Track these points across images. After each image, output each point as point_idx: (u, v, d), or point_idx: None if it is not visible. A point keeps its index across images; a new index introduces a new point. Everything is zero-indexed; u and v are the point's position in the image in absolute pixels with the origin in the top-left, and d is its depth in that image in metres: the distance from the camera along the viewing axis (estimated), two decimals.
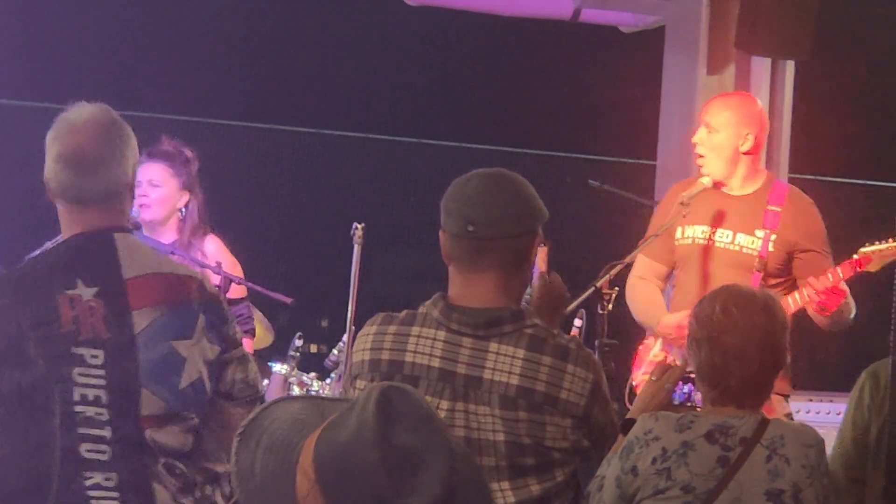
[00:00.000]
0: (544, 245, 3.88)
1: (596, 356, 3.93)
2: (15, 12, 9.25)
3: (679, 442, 3.57)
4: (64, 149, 3.51)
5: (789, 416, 5.38)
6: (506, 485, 3.46)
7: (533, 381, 3.47)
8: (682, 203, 5.42)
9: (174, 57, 10.54)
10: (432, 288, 3.62)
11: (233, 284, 5.61)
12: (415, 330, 3.55)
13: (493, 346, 3.49)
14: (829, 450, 3.79)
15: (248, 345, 5.65)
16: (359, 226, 5.87)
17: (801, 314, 5.41)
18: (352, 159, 11.28)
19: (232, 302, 5.32)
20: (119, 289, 3.46)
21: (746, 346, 3.61)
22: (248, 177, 10.71)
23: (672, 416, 3.63)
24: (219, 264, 5.58)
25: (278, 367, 6.40)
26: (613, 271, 5.16)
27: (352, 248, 5.90)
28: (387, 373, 3.54)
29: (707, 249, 5.56)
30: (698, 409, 3.77)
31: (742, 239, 5.54)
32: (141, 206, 5.61)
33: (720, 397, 3.65)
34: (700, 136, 5.57)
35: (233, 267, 5.80)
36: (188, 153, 5.83)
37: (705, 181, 5.53)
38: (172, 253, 5.29)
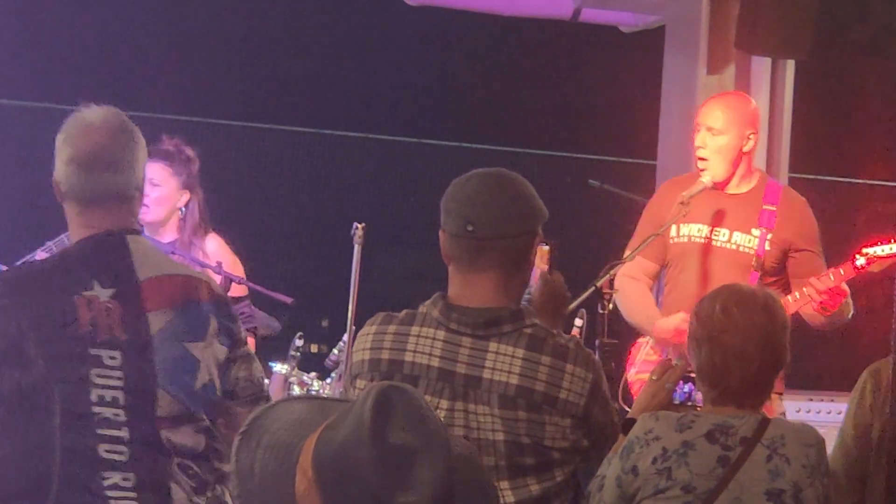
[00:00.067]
0: (546, 245, 3.88)
1: (596, 356, 3.93)
2: (15, 12, 9.25)
3: (679, 442, 3.57)
4: (77, 150, 3.52)
5: (783, 414, 5.40)
6: (505, 484, 3.45)
7: (532, 380, 3.46)
8: (682, 203, 5.42)
9: (174, 57, 10.53)
10: (432, 288, 3.62)
11: (233, 284, 5.61)
12: (414, 330, 3.54)
13: (493, 346, 3.49)
14: (829, 449, 3.79)
15: (252, 344, 5.65)
16: (359, 226, 5.87)
17: (796, 313, 5.42)
18: (352, 159, 11.28)
19: (233, 301, 5.32)
20: (134, 290, 3.47)
21: (747, 345, 3.61)
22: (248, 177, 10.72)
23: (672, 416, 3.63)
24: (219, 264, 5.58)
25: (279, 367, 6.39)
26: (614, 271, 5.16)
27: (352, 247, 5.89)
28: (386, 372, 3.54)
29: (704, 248, 5.57)
30: (699, 409, 3.77)
31: (739, 238, 5.55)
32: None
33: (720, 397, 3.65)
34: (702, 139, 5.56)
35: (234, 266, 5.80)
36: (189, 152, 5.82)
37: (705, 181, 5.53)
38: (173, 252, 5.28)
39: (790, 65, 6.88)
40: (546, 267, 4.02)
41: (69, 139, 3.53)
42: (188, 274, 3.62)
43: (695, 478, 3.54)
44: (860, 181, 11.42)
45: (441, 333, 3.52)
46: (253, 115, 11.03)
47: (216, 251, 5.80)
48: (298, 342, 6.50)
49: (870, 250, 5.41)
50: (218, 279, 5.42)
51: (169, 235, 5.76)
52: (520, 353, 3.48)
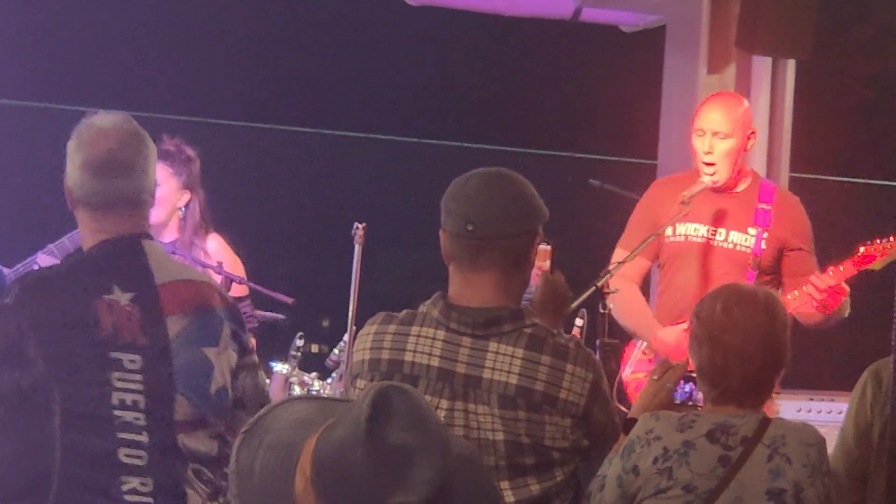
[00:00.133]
0: (548, 245, 3.88)
1: (597, 356, 3.93)
2: (15, 12, 9.25)
3: (680, 441, 3.57)
4: (89, 156, 3.52)
5: (775, 413, 5.40)
6: (505, 484, 3.45)
7: (532, 380, 3.46)
8: (683, 202, 5.43)
9: (175, 57, 10.54)
10: (433, 288, 3.62)
11: (234, 284, 5.61)
12: (414, 329, 3.54)
13: (493, 346, 3.49)
14: (830, 449, 3.79)
15: (253, 344, 5.65)
16: (359, 226, 5.87)
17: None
18: (352, 159, 11.28)
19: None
20: (153, 294, 3.49)
21: (747, 345, 3.61)
22: (248, 177, 10.71)
23: (673, 416, 3.63)
24: (220, 264, 5.58)
25: (279, 367, 6.39)
26: (614, 271, 5.17)
27: (352, 247, 5.89)
28: (386, 372, 3.54)
29: (702, 247, 5.58)
30: (699, 409, 3.77)
31: (735, 237, 5.57)
32: None
33: (721, 396, 3.65)
34: (709, 144, 5.53)
35: (235, 266, 5.80)
36: (189, 152, 5.82)
37: (706, 180, 5.53)
38: (173, 253, 5.28)
39: (791, 64, 6.88)
40: (547, 266, 4.01)
41: (81, 145, 3.54)
42: (202, 280, 3.66)
43: (696, 477, 3.54)
44: (861, 181, 11.42)
45: (441, 333, 3.51)
46: (253, 114, 11.03)
47: (217, 251, 5.79)
48: (299, 342, 6.49)
49: (870, 248, 5.42)
50: (218, 279, 5.42)
51: (169, 235, 5.75)
52: (520, 352, 3.47)
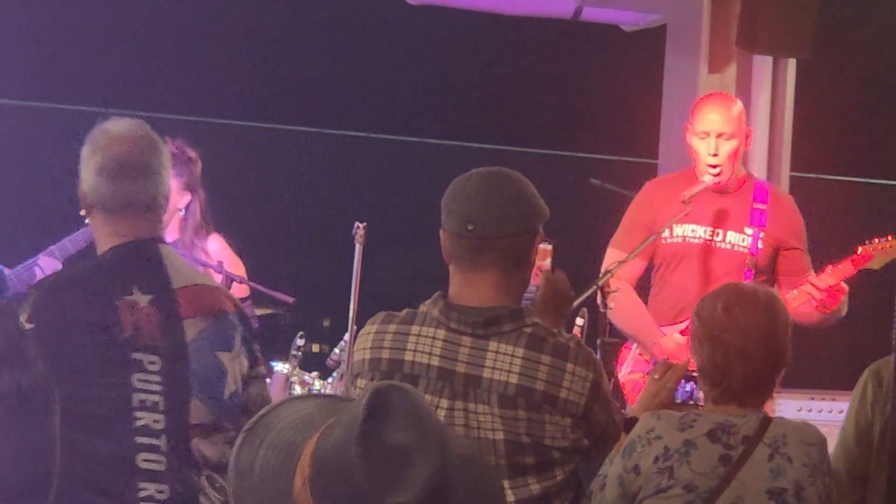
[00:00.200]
0: (549, 244, 3.87)
1: (597, 355, 3.92)
2: (15, 12, 9.24)
3: (681, 440, 3.56)
4: (105, 160, 3.54)
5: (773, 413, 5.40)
6: (505, 484, 3.45)
7: (532, 380, 3.46)
8: (684, 201, 5.43)
9: (176, 57, 10.53)
10: (434, 287, 3.62)
11: (235, 283, 5.60)
12: (414, 329, 3.54)
13: (493, 345, 3.49)
14: (831, 448, 3.78)
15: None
16: (360, 225, 5.87)
17: None
18: (353, 159, 11.27)
19: None
20: (170, 297, 3.51)
21: (748, 345, 3.61)
22: (249, 176, 10.70)
23: (674, 415, 3.63)
24: (220, 263, 5.57)
25: (280, 367, 6.39)
26: (615, 270, 5.17)
27: (353, 247, 5.89)
28: (387, 372, 3.54)
29: (700, 248, 5.58)
30: (700, 408, 3.77)
31: (733, 237, 5.58)
32: None
33: (722, 396, 3.65)
34: (714, 146, 5.52)
35: (235, 266, 5.80)
36: (190, 153, 5.82)
37: (707, 179, 5.54)
38: None
39: (791, 63, 6.88)
40: (548, 266, 4.01)
41: (97, 150, 3.56)
42: (215, 285, 3.71)
43: (696, 477, 3.54)
44: (861, 180, 11.42)
45: (441, 333, 3.51)
46: (254, 114, 11.03)
47: (218, 252, 5.79)
48: (300, 342, 6.49)
49: (868, 248, 5.43)
50: (219, 279, 5.43)
51: (170, 236, 5.74)
52: (520, 352, 3.47)
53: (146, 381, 3.42)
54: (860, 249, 5.47)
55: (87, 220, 5.62)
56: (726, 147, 5.53)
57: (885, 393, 4.05)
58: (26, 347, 3.05)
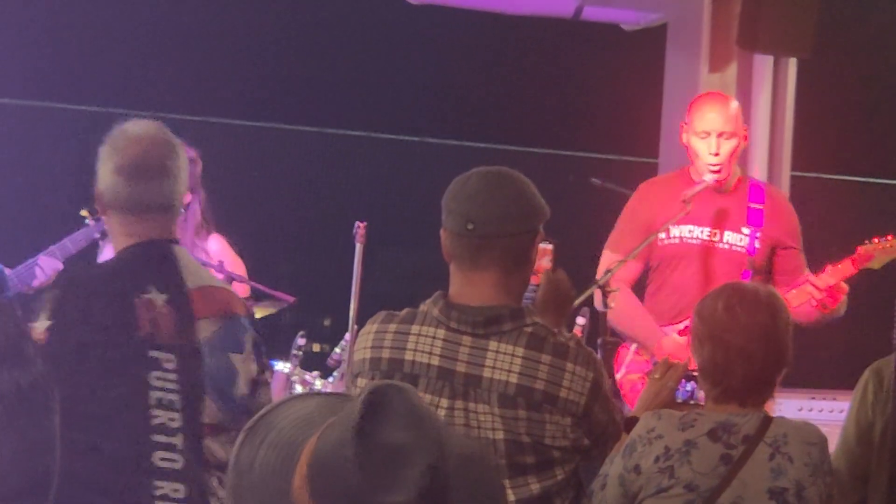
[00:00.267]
0: (551, 243, 3.87)
1: (598, 354, 3.92)
2: (15, 12, 9.24)
3: (682, 440, 3.56)
4: (123, 160, 3.56)
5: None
6: (505, 483, 3.44)
7: (532, 379, 3.46)
8: (684, 201, 5.43)
9: (176, 56, 10.52)
10: (434, 286, 3.62)
11: (235, 283, 5.60)
12: (415, 328, 3.54)
13: (493, 345, 3.48)
14: (831, 448, 3.78)
15: None
16: (361, 224, 5.87)
17: None
18: (353, 158, 11.26)
19: None
20: (185, 297, 3.53)
21: (749, 344, 3.60)
22: (249, 176, 10.70)
23: (675, 415, 3.62)
24: (221, 263, 5.57)
25: (281, 366, 6.39)
26: (615, 269, 5.17)
27: (354, 246, 5.89)
28: (387, 371, 3.54)
29: (698, 248, 5.59)
30: (701, 408, 3.76)
31: (730, 237, 5.58)
32: None
33: (723, 395, 3.65)
34: (715, 146, 5.52)
35: (236, 266, 5.80)
36: (190, 153, 5.81)
37: (708, 178, 5.54)
38: None
39: (792, 62, 6.88)
40: (549, 265, 4.01)
41: (115, 150, 3.58)
42: (227, 287, 3.73)
43: (697, 476, 3.54)
44: (862, 179, 11.41)
45: (441, 332, 3.51)
46: (254, 114, 11.02)
47: (218, 252, 5.80)
48: (301, 341, 6.50)
49: (868, 247, 5.43)
50: (220, 278, 5.42)
51: None
52: (520, 351, 3.47)
53: (163, 379, 3.43)
54: (860, 249, 5.47)
55: (86, 221, 5.65)
56: (727, 146, 5.53)
57: (885, 392, 4.05)
58: (26, 346, 3.04)
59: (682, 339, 5.38)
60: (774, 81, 6.85)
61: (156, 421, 3.41)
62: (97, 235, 5.65)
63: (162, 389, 3.43)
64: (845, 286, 5.46)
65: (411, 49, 11.17)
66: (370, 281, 6.10)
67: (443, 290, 3.57)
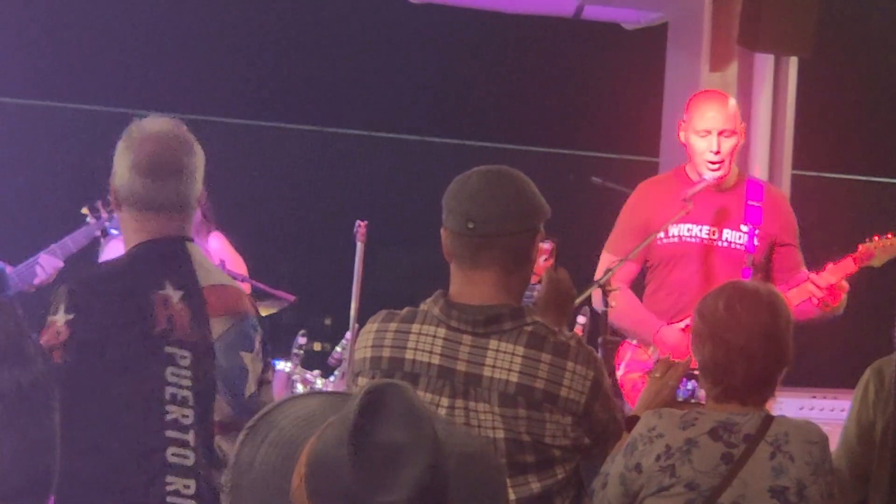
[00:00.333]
0: (551, 242, 3.87)
1: (598, 353, 3.92)
2: (16, 11, 9.24)
3: (683, 439, 3.56)
4: (140, 157, 3.55)
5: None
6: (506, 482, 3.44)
7: (532, 378, 3.45)
8: (685, 200, 5.43)
9: (176, 56, 10.52)
10: (435, 285, 3.61)
11: (236, 282, 5.60)
12: (415, 327, 3.54)
13: (493, 344, 3.48)
14: (833, 446, 3.78)
15: None
16: (361, 223, 5.87)
17: None
18: (354, 157, 11.26)
19: None
20: (199, 295, 3.54)
21: (750, 343, 3.60)
22: (250, 175, 10.69)
23: (676, 413, 3.62)
24: (222, 262, 5.57)
25: (282, 365, 6.39)
26: (616, 268, 5.17)
27: (354, 245, 5.89)
28: (387, 370, 3.54)
29: (697, 247, 5.59)
30: (702, 406, 3.76)
31: (729, 235, 5.58)
32: None
33: (724, 394, 3.64)
34: (716, 143, 5.52)
35: (237, 264, 5.80)
36: None
37: (709, 177, 5.54)
38: None
39: (793, 61, 6.88)
40: (549, 264, 4.01)
41: (132, 146, 3.57)
42: (238, 287, 3.74)
43: (698, 475, 3.53)
44: (863, 178, 11.41)
45: (441, 331, 3.51)
46: (254, 113, 11.02)
47: (219, 250, 5.79)
48: (301, 340, 6.50)
49: (869, 246, 5.43)
50: None
51: None
52: (520, 350, 3.47)
53: (178, 375, 3.44)
54: (861, 247, 5.47)
55: (87, 219, 5.65)
56: (727, 143, 5.54)
57: (886, 392, 4.05)
58: (26, 345, 3.04)
59: (682, 325, 5.38)
60: (775, 80, 6.85)
61: (169, 417, 3.42)
62: (98, 233, 5.65)
63: (176, 385, 3.43)
64: (846, 284, 5.46)
65: (411, 48, 11.17)
66: (371, 280, 6.10)
67: (443, 289, 3.57)
